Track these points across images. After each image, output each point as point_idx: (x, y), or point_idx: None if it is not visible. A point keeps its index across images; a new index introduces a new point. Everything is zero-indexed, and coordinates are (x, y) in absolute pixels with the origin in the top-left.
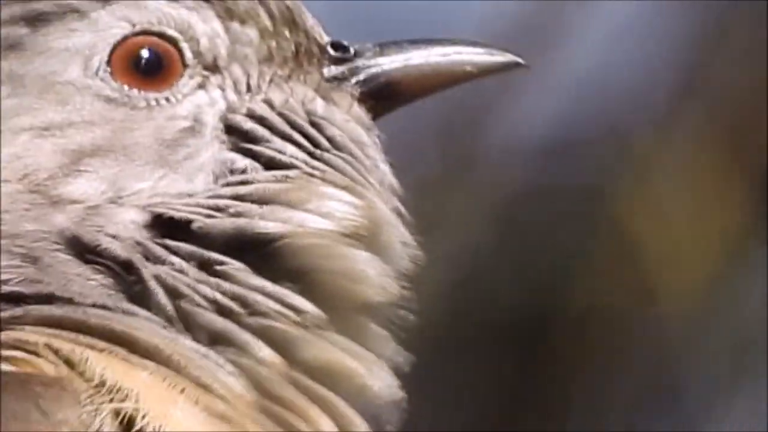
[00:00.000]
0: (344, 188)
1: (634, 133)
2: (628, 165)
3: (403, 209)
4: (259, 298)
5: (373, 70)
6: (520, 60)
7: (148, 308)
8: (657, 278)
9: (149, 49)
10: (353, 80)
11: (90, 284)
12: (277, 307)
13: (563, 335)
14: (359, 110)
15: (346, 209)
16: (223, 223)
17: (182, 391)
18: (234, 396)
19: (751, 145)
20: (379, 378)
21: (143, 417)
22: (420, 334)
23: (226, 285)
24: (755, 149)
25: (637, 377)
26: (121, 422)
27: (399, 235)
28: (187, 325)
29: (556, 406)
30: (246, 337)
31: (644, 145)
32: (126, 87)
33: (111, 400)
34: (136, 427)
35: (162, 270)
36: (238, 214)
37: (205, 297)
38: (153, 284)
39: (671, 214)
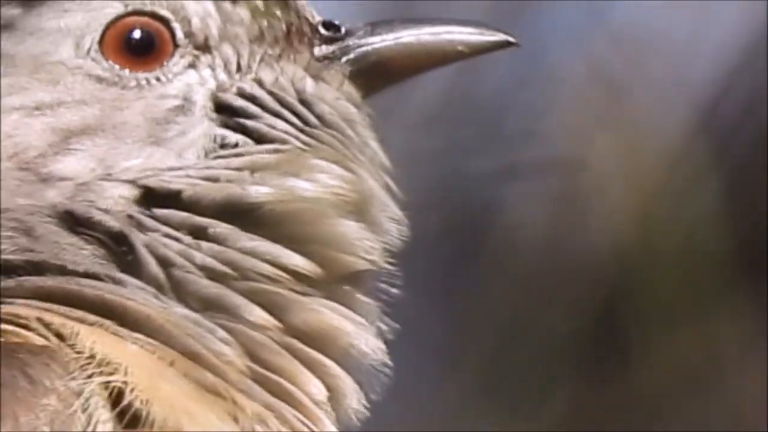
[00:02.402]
0: (334, 162)
1: None
2: None
3: (392, 186)
4: (251, 261)
5: (364, 48)
6: (511, 39)
7: (140, 277)
8: None
9: (141, 29)
10: (344, 59)
11: (82, 253)
12: (269, 269)
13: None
14: (350, 88)
15: (336, 180)
16: (213, 190)
17: (171, 363)
18: (225, 363)
19: None
20: (366, 339)
21: (131, 391)
22: None
23: (217, 249)
24: None
25: None
26: (110, 395)
27: (387, 211)
28: (179, 292)
29: None
30: (238, 300)
31: None
32: (117, 67)
33: (100, 373)
34: (125, 401)
35: (153, 239)
36: (229, 182)
37: (196, 264)
38: (144, 253)
39: None
